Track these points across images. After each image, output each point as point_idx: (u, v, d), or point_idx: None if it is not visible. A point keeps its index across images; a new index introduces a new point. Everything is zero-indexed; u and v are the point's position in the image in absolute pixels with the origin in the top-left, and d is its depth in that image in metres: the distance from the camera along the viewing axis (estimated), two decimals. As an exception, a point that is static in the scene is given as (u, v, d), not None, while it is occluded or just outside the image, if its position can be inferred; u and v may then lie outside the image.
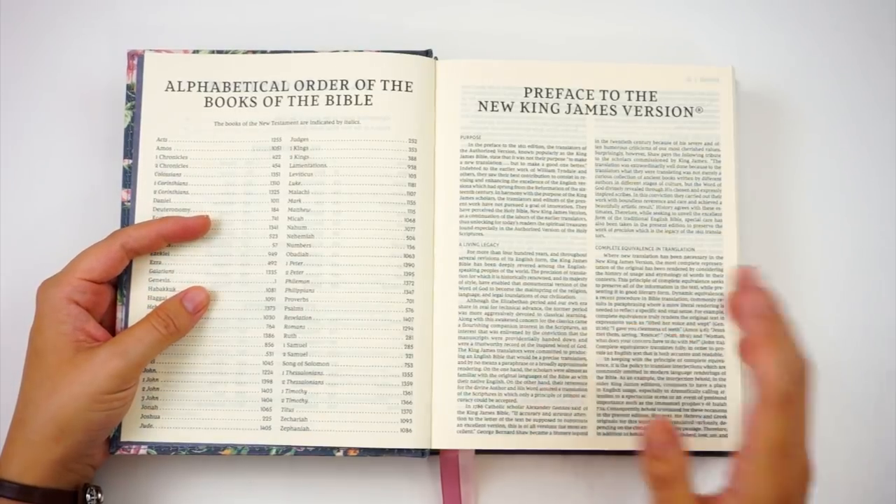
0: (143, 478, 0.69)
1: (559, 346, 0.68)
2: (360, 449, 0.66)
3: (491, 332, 0.68)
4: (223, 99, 0.70)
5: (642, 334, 0.68)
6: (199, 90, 0.70)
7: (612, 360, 0.68)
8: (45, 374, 0.62)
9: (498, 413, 0.67)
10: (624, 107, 0.71)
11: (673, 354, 0.68)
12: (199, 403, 0.67)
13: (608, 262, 0.69)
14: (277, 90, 0.70)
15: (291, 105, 0.69)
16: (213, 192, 0.69)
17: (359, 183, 0.68)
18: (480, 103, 0.70)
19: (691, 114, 0.71)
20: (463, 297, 0.68)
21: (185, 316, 0.65)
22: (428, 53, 0.70)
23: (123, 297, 0.67)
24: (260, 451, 0.66)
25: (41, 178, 0.73)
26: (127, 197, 0.69)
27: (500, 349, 0.68)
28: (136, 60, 0.70)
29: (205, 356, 0.67)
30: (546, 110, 0.71)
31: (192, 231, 0.67)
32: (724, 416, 0.67)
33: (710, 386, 0.68)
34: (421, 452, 0.66)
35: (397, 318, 0.67)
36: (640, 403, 0.67)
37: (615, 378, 0.68)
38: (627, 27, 0.76)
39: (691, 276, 0.69)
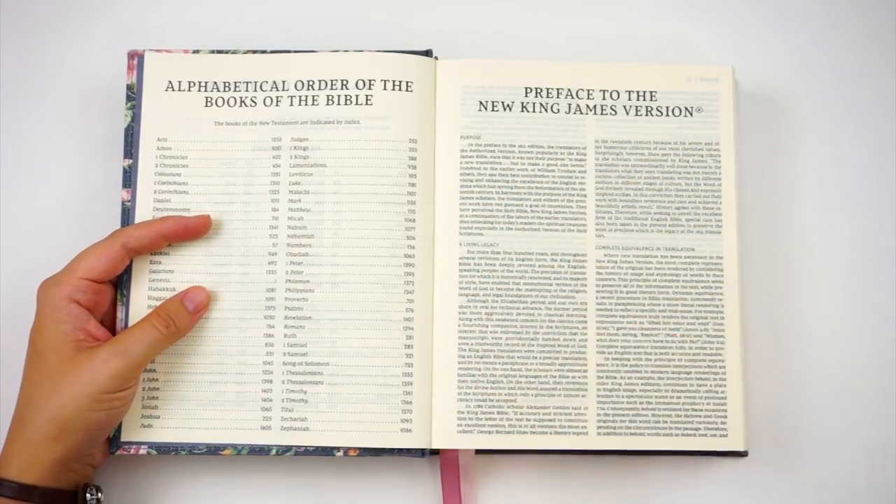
0: (143, 478, 0.69)
1: (559, 346, 0.68)
2: (360, 449, 0.66)
3: (491, 332, 0.68)
4: (223, 99, 0.70)
5: (642, 334, 0.68)
6: (200, 90, 0.70)
7: (612, 360, 0.68)
8: (46, 374, 0.62)
9: (498, 413, 0.67)
10: (624, 107, 0.71)
11: (673, 354, 0.68)
12: (200, 403, 0.67)
13: (608, 262, 0.69)
14: (277, 90, 0.70)
15: (291, 105, 0.69)
16: (213, 192, 0.69)
17: (359, 183, 0.68)
18: (480, 103, 0.70)
19: (691, 114, 0.71)
20: (463, 297, 0.68)
21: (185, 316, 0.65)
22: (428, 53, 0.70)
23: (123, 297, 0.67)
24: (260, 451, 0.66)
25: (41, 177, 0.73)
26: (127, 197, 0.69)
27: (500, 349, 0.68)
28: (136, 60, 0.70)
29: (205, 356, 0.67)
30: (546, 110, 0.71)
31: (193, 231, 0.67)
32: (724, 416, 0.67)
33: (710, 386, 0.68)
34: (421, 452, 0.66)
35: (397, 318, 0.67)
36: (640, 403, 0.67)
37: (615, 378, 0.68)
38: (627, 27, 0.76)
39: (691, 276, 0.69)
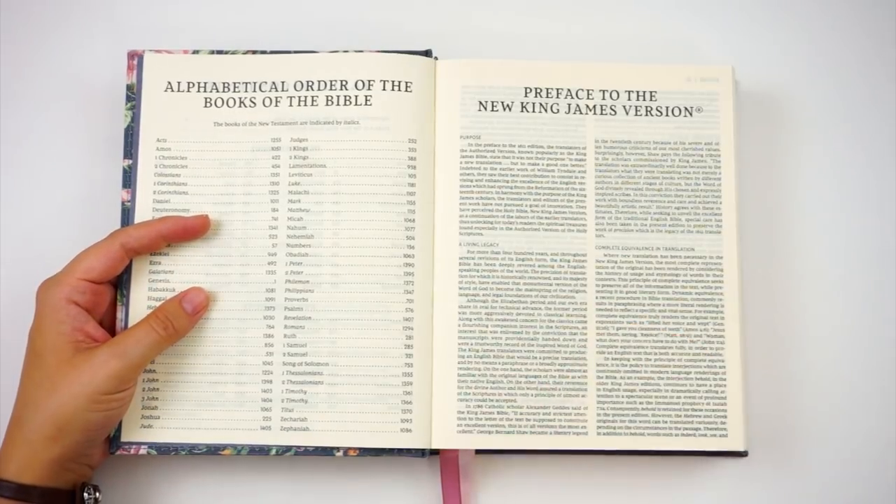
0: (142, 478, 0.69)
1: (559, 346, 0.68)
2: (360, 449, 0.66)
3: (491, 332, 0.68)
4: (223, 99, 0.70)
5: (642, 334, 0.68)
6: (199, 90, 0.70)
7: (612, 360, 0.68)
8: (45, 374, 0.62)
9: (498, 413, 0.67)
10: (624, 107, 0.71)
11: (673, 354, 0.68)
12: (199, 404, 0.67)
13: (608, 262, 0.69)
14: (277, 90, 0.70)
15: (291, 105, 0.69)
16: (213, 193, 0.69)
17: (358, 183, 0.68)
18: (480, 103, 0.70)
19: (691, 114, 0.71)
20: (463, 297, 0.68)
21: (184, 317, 0.65)
22: (428, 53, 0.70)
23: (123, 298, 0.67)
24: (260, 451, 0.66)
25: (41, 178, 0.73)
26: (127, 197, 0.69)
27: (500, 349, 0.68)
28: (136, 60, 0.70)
29: (205, 356, 0.67)
30: (546, 110, 0.71)
31: (192, 231, 0.67)
32: (724, 416, 0.67)
33: (710, 386, 0.68)
34: (421, 452, 0.66)
35: (397, 318, 0.67)
36: (640, 403, 0.67)
37: (615, 378, 0.68)
38: (627, 27, 0.76)
39: (691, 276, 0.69)
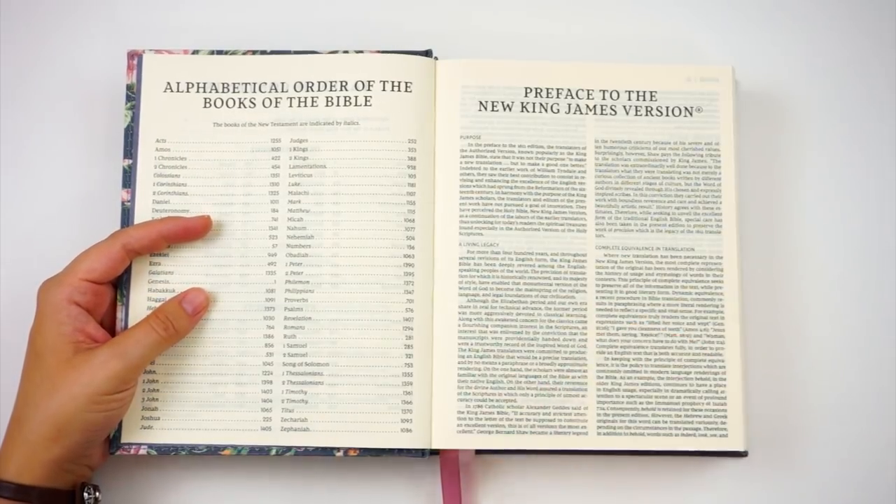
0: (142, 478, 0.69)
1: (559, 346, 0.68)
2: (360, 449, 0.66)
3: (491, 332, 0.68)
4: (222, 100, 0.70)
5: (642, 334, 0.68)
6: (199, 91, 0.70)
7: (612, 360, 0.68)
8: (45, 375, 0.62)
9: (498, 413, 0.67)
10: (624, 107, 0.71)
11: (673, 354, 0.68)
12: (200, 404, 0.67)
13: (608, 262, 0.69)
14: (277, 91, 0.70)
15: (291, 106, 0.69)
16: (213, 194, 0.69)
17: (358, 183, 0.68)
18: (480, 103, 0.70)
19: (691, 114, 0.71)
20: (463, 297, 0.68)
21: (184, 318, 0.65)
22: (428, 53, 0.70)
23: (123, 298, 0.67)
24: (260, 452, 0.66)
25: (41, 177, 0.73)
26: (127, 197, 0.69)
27: (500, 349, 0.68)
28: (135, 60, 0.70)
29: (205, 357, 0.67)
30: (546, 110, 0.70)
31: (193, 231, 0.67)
32: (724, 416, 0.67)
33: (710, 386, 0.68)
34: (421, 452, 0.66)
35: (397, 318, 0.67)
36: (640, 403, 0.67)
37: (615, 378, 0.68)
38: (627, 27, 0.76)
39: (691, 276, 0.69)
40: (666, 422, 0.67)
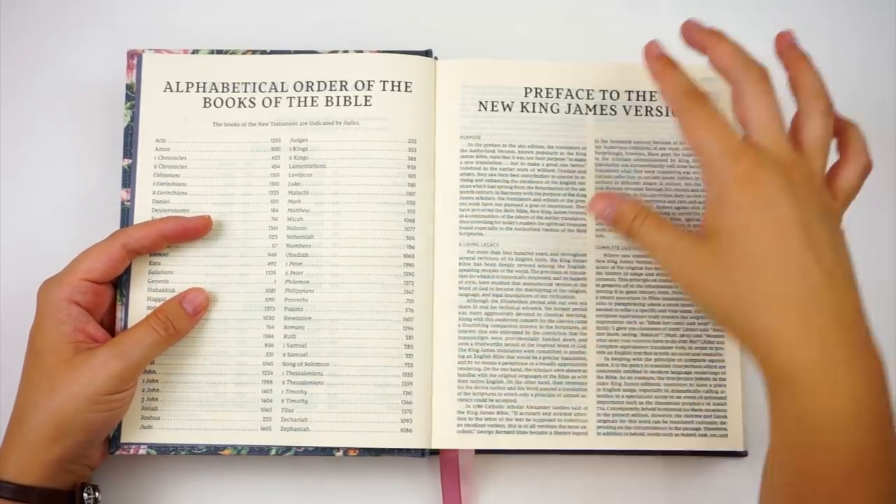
0: (142, 478, 0.69)
1: (559, 346, 0.68)
2: (360, 449, 0.66)
3: (491, 332, 0.68)
4: (222, 99, 0.70)
5: (642, 334, 0.68)
6: (198, 91, 0.70)
7: (612, 360, 0.68)
8: (44, 375, 0.62)
9: (498, 413, 0.67)
10: (624, 107, 0.71)
11: (673, 354, 0.68)
12: (199, 404, 0.67)
13: (608, 262, 0.69)
14: (277, 91, 0.70)
15: (291, 106, 0.69)
16: (212, 193, 0.69)
17: (358, 183, 0.68)
18: (480, 103, 0.70)
19: (691, 113, 0.71)
20: (463, 297, 0.68)
21: (184, 318, 0.65)
22: (428, 53, 0.70)
23: (123, 298, 0.67)
24: (260, 452, 0.66)
25: (41, 177, 0.73)
26: (126, 197, 0.69)
27: (500, 349, 0.68)
28: (135, 60, 0.70)
29: (204, 357, 0.67)
30: (546, 110, 0.70)
31: (194, 231, 0.67)
32: (724, 416, 0.67)
33: (710, 386, 0.68)
34: (421, 452, 0.66)
35: (397, 318, 0.67)
36: (640, 403, 0.67)
37: (615, 378, 0.68)
38: (627, 27, 0.76)
39: (691, 276, 0.69)
40: (666, 422, 0.67)
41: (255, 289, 0.68)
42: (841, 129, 0.61)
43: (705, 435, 0.67)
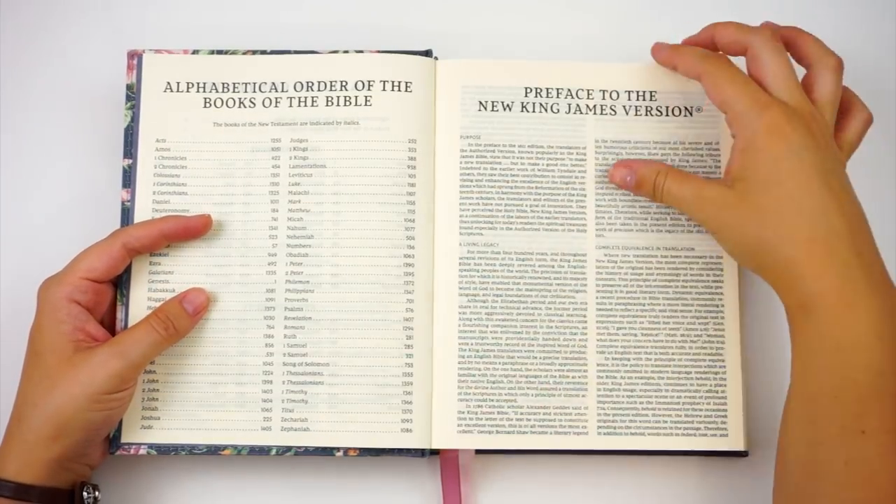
0: (142, 478, 0.69)
1: (559, 346, 0.68)
2: (360, 449, 0.66)
3: (491, 332, 0.68)
4: (222, 100, 0.70)
5: (642, 334, 0.68)
6: (198, 91, 0.70)
7: (612, 359, 0.68)
8: (44, 373, 0.62)
9: (498, 413, 0.67)
10: (624, 107, 0.71)
11: (673, 354, 0.68)
12: (200, 404, 0.67)
13: (608, 262, 0.69)
14: (277, 91, 0.70)
15: (291, 106, 0.69)
16: (213, 193, 0.69)
17: (358, 183, 0.68)
18: (480, 103, 0.70)
19: (691, 114, 0.71)
20: (463, 297, 0.68)
21: (184, 318, 0.65)
22: (428, 53, 0.70)
23: (123, 298, 0.67)
24: (260, 452, 0.66)
25: (42, 177, 0.73)
26: (127, 197, 0.69)
27: (500, 349, 0.68)
28: (135, 60, 0.70)
29: (205, 357, 0.67)
30: (546, 110, 0.70)
31: (194, 230, 0.67)
32: (724, 416, 0.67)
33: (710, 386, 0.68)
34: (421, 452, 0.66)
35: (397, 318, 0.67)
36: (640, 403, 0.67)
37: (615, 378, 0.68)
38: (627, 27, 0.76)
39: (691, 275, 0.69)
40: (666, 422, 0.67)
41: (256, 289, 0.68)
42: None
43: (705, 435, 0.67)
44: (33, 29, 0.75)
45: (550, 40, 0.76)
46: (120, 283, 0.67)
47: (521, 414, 0.67)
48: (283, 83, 0.70)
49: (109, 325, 0.67)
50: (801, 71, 0.66)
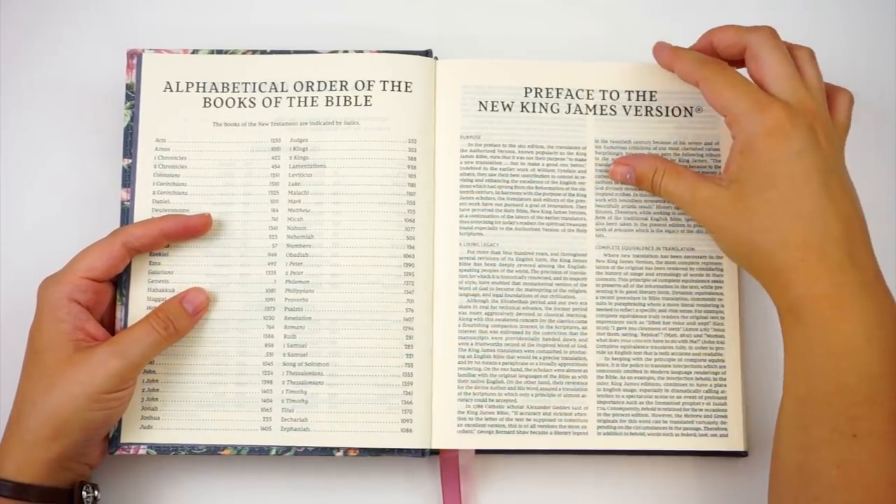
0: (141, 478, 0.69)
1: (559, 346, 0.68)
2: (360, 449, 0.66)
3: (491, 332, 0.68)
4: (222, 99, 0.70)
5: (642, 334, 0.68)
6: (198, 90, 0.70)
7: (612, 359, 0.68)
8: (44, 373, 0.62)
9: (498, 413, 0.67)
10: (624, 107, 0.71)
11: (673, 354, 0.68)
12: (199, 404, 0.67)
13: (608, 262, 0.69)
14: (277, 91, 0.70)
15: (291, 106, 0.69)
16: (212, 193, 0.69)
17: (358, 183, 0.68)
18: (480, 103, 0.70)
19: (691, 114, 0.71)
20: (463, 297, 0.68)
21: (184, 318, 0.65)
22: (428, 53, 0.70)
23: (123, 297, 0.67)
24: (260, 452, 0.66)
25: (42, 177, 0.73)
26: (126, 197, 0.69)
27: (500, 349, 0.68)
28: (135, 60, 0.70)
29: (205, 357, 0.67)
30: (546, 110, 0.70)
31: (194, 230, 0.67)
32: (724, 416, 0.67)
33: (710, 386, 0.68)
34: (421, 452, 0.66)
35: (397, 318, 0.67)
36: (640, 403, 0.67)
37: (615, 378, 0.68)
38: (627, 27, 0.76)
39: (691, 276, 0.69)
40: (666, 422, 0.67)
41: (255, 289, 0.67)
42: None
43: (705, 435, 0.67)
44: (33, 28, 0.75)
45: (550, 40, 0.76)
46: (120, 283, 0.67)
47: (521, 414, 0.67)
48: (282, 83, 0.70)
49: (109, 324, 0.67)
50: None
